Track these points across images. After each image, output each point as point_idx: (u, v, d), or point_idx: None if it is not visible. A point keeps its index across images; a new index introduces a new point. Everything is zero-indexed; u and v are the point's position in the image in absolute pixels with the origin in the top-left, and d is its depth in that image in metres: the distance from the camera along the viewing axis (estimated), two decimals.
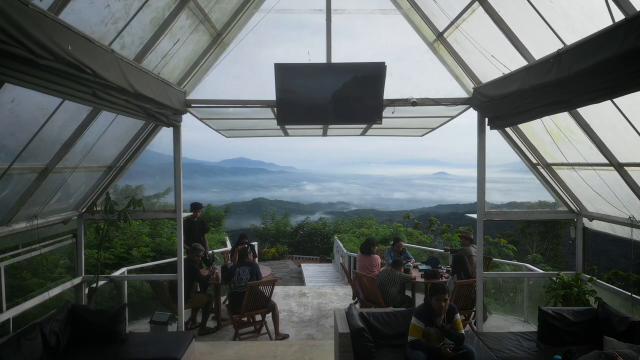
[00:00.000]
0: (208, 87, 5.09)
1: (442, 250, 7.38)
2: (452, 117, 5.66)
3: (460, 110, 5.25)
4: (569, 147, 4.22)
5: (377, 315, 4.11)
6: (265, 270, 6.26)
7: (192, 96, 4.99)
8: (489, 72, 4.62)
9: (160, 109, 4.14)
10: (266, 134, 7.28)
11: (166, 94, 4.18)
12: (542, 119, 4.12)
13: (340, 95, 4.67)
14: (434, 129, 6.61)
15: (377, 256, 6.22)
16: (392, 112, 4.96)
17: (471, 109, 5.02)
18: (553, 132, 4.25)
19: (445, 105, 4.93)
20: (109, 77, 2.93)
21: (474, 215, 5.12)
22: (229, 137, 7.37)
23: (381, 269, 6.11)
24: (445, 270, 6.01)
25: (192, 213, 6.95)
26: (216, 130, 6.57)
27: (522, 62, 3.92)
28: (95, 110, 3.80)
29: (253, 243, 8.25)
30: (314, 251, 16.19)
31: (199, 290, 5.95)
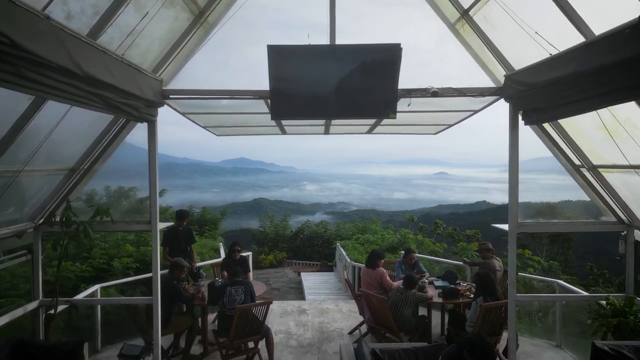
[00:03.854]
0: (190, 75, 4.31)
1: (460, 263, 6.58)
2: (476, 111, 4.89)
3: (486, 102, 4.47)
4: (630, 145, 3.44)
5: (394, 353, 3.33)
6: (259, 287, 5.49)
7: (171, 86, 4.22)
8: (524, 57, 3.84)
9: (127, 99, 3.37)
10: (261, 131, 6.50)
11: (135, 82, 3.41)
12: (597, 111, 3.35)
13: (345, 84, 3.90)
14: (450, 125, 5.83)
15: (383, 270, 5.44)
16: (408, 105, 4.18)
17: (501, 101, 4.26)
18: (609, 128, 3.48)
19: (471, 96, 4.15)
20: (41, 52, 2.18)
21: (504, 227, 4.35)
22: (219, 135, 6.59)
23: (392, 283, 5.33)
24: (466, 289, 5.22)
25: (177, 222, 6.17)
26: (204, 127, 5.80)
27: (574, 40, 3.14)
28: (39, 100, 3.03)
29: (247, 253, 7.48)
30: (314, 256, 15.40)
31: (184, 310, 5.19)
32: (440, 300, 5.07)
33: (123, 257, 7.18)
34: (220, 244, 10.42)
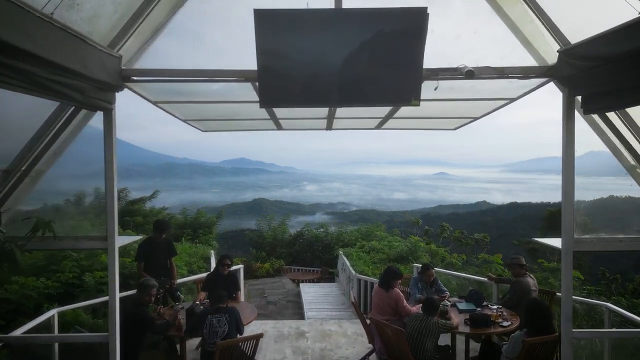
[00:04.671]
0: (159, 53, 3.43)
1: (484, 279, 5.68)
2: (511, 100, 4.01)
3: (528, 87, 3.61)
4: None
5: None
6: (249, 312, 4.60)
7: (133, 65, 3.34)
8: (584, 29, 2.96)
9: (64, 77, 2.50)
10: (253, 125, 5.62)
11: (76, 55, 2.55)
12: None
13: (355, 62, 3.02)
14: (475, 118, 4.95)
15: (399, 293, 4.55)
16: (435, 89, 3.30)
17: (549, 85, 3.39)
18: None
19: (515, 77, 3.27)
20: None
21: (554, 243, 3.47)
22: (205, 130, 5.70)
23: (410, 309, 4.45)
24: (497, 314, 4.33)
25: (155, 234, 5.30)
26: (184, 121, 4.92)
27: None
28: None
29: (238, 267, 6.60)
30: (314, 262, 14.50)
31: (159, 343, 4.31)
32: (467, 330, 4.19)
33: (96, 271, 6.29)
34: (212, 251, 9.54)
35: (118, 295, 3.27)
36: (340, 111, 4.55)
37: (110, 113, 3.19)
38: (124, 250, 7.61)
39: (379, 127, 5.59)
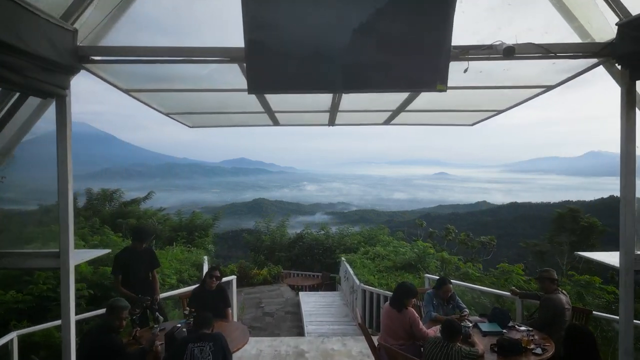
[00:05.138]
0: (125, 27, 2.82)
1: (507, 293, 5.04)
2: (550, 87, 3.39)
3: (577, 69, 2.98)
4: None
5: None
6: (239, 335, 3.98)
7: (95, 42, 2.73)
8: None
9: None
10: (246, 120, 5.01)
11: (13, 26, 1.97)
12: None
13: (367, 37, 2.42)
14: (499, 111, 4.33)
15: (414, 314, 3.93)
16: (465, 71, 2.69)
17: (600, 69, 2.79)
18: None
19: (564, 56, 2.65)
20: None
21: (607, 259, 2.86)
22: (192, 126, 5.10)
23: (427, 332, 3.84)
24: (527, 338, 3.72)
25: (134, 243, 4.70)
26: (167, 115, 4.30)
27: None
28: None
29: (230, 278, 5.98)
30: (314, 266, 13.88)
31: None
32: (494, 358, 3.57)
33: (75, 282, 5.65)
34: (206, 257, 8.92)
35: (73, 325, 2.67)
36: (345, 103, 3.95)
37: (63, 101, 2.58)
38: (107, 258, 6.99)
39: (387, 122, 4.98)
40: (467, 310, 4.46)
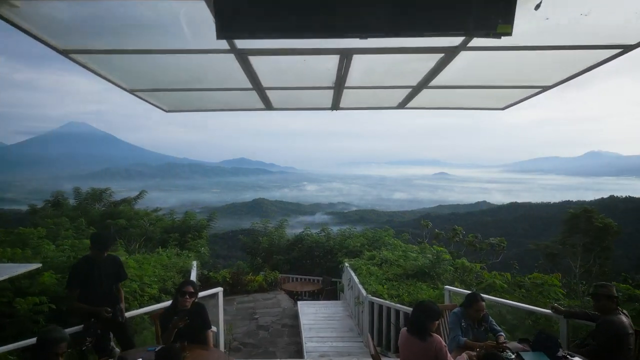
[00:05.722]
0: None
1: (548, 311, 4.16)
2: (631, 48, 2.54)
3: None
4: None
5: None
6: None
7: None
8: None
9: None
10: (233, 103, 4.16)
11: None
12: None
13: None
14: (545, 88, 3.48)
15: (440, 340, 3.08)
16: (536, 8, 1.84)
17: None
18: None
19: None
20: None
21: None
22: (169, 110, 4.25)
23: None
24: None
25: (93, 251, 3.85)
26: (131, 92, 3.45)
27: None
28: None
29: (215, 290, 5.09)
30: (314, 269, 13.01)
31: None
32: None
33: (29, 297, 4.79)
34: (194, 262, 8.07)
35: None
36: (354, 76, 3.12)
37: None
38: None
39: (403, 105, 4.14)
40: (502, 333, 3.61)
